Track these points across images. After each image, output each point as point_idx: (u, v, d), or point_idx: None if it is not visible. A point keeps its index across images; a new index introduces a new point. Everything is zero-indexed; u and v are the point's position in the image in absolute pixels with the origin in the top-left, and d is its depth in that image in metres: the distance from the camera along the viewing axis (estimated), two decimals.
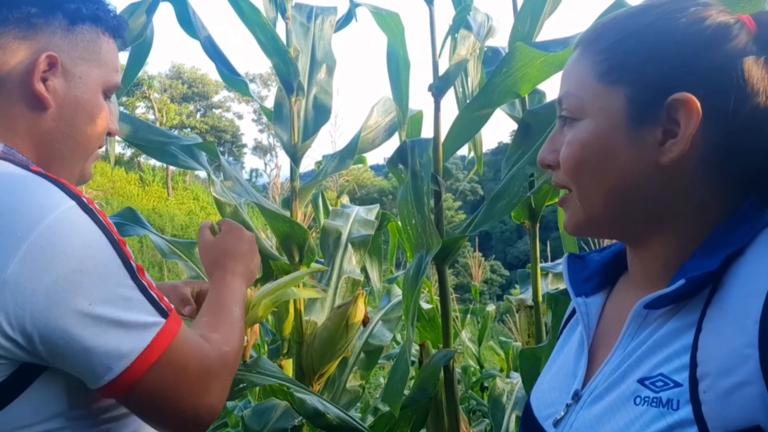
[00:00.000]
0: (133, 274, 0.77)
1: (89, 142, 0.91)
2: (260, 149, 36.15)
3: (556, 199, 1.50)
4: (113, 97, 1.01)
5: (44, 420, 0.75)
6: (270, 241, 2.44)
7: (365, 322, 1.74)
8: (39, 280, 0.69)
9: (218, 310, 0.96)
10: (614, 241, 0.79)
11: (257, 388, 2.95)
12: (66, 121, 0.86)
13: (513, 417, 1.99)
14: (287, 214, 1.72)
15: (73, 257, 0.71)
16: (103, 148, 1.00)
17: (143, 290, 0.78)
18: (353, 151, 1.83)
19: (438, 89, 1.54)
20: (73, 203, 0.74)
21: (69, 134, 0.87)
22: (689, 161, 0.62)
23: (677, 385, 0.56)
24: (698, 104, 0.60)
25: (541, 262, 1.73)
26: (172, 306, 0.82)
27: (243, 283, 1.04)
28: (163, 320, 0.78)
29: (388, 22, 1.57)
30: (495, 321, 5.33)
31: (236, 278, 1.03)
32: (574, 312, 0.82)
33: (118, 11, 0.99)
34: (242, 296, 1.02)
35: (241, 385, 1.16)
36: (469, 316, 4.79)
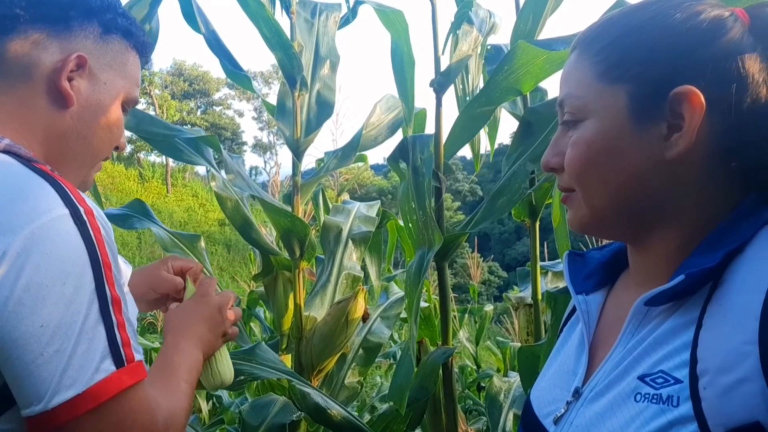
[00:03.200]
0: (105, 306, 0.72)
1: (101, 148, 0.91)
2: (260, 147, 36.12)
3: (556, 198, 1.51)
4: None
5: None
6: (270, 237, 2.45)
7: (365, 318, 1.74)
8: (4, 286, 0.67)
9: (172, 378, 0.89)
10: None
11: (254, 384, 2.96)
12: (84, 122, 0.87)
13: (510, 415, 1.99)
14: (288, 209, 1.73)
15: (44, 271, 0.68)
16: (108, 161, 1.00)
17: (108, 327, 0.72)
18: (355, 148, 1.84)
19: (440, 85, 1.54)
20: (65, 212, 0.71)
21: (85, 135, 0.88)
22: (694, 155, 0.62)
23: (677, 381, 0.56)
24: (701, 96, 0.61)
25: (540, 261, 1.74)
26: (138, 356, 0.75)
27: (201, 355, 0.98)
28: (113, 369, 0.71)
29: (392, 19, 1.57)
30: (492, 322, 5.34)
31: (199, 347, 0.98)
32: (574, 310, 0.83)
33: (124, 2, 1.00)
34: (195, 369, 0.95)
35: (241, 378, 1.16)
36: (467, 315, 4.79)
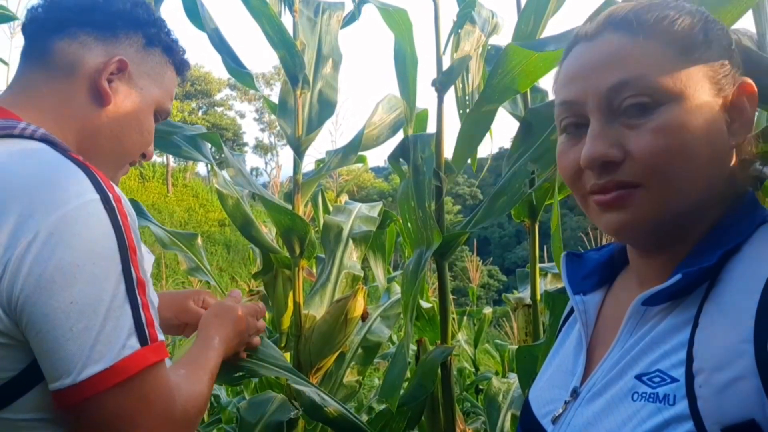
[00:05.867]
0: (131, 287, 0.75)
1: (131, 149, 0.97)
2: (261, 148, 36.18)
3: (561, 197, 1.50)
4: None
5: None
6: (270, 235, 2.45)
7: (364, 317, 1.74)
8: (37, 263, 0.70)
9: (197, 368, 0.94)
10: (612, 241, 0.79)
11: (253, 383, 2.96)
12: (118, 122, 0.93)
13: (509, 416, 1.99)
14: (289, 207, 1.73)
15: (76, 251, 0.71)
16: (134, 166, 1.05)
17: (134, 307, 0.75)
18: (356, 147, 1.84)
19: (442, 84, 1.55)
20: (96, 197, 0.75)
21: (116, 134, 0.93)
22: (731, 149, 0.63)
23: (674, 380, 0.56)
24: (756, 89, 0.62)
25: (539, 263, 1.74)
26: (161, 336, 0.79)
27: (224, 354, 1.04)
28: (138, 346, 0.74)
29: (396, 18, 1.58)
30: (491, 326, 5.33)
31: (223, 346, 1.03)
32: (572, 310, 0.82)
33: None
34: (218, 365, 1.00)
35: (239, 374, 1.16)
36: (465, 318, 4.78)
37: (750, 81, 0.63)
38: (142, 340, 0.75)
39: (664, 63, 0.61)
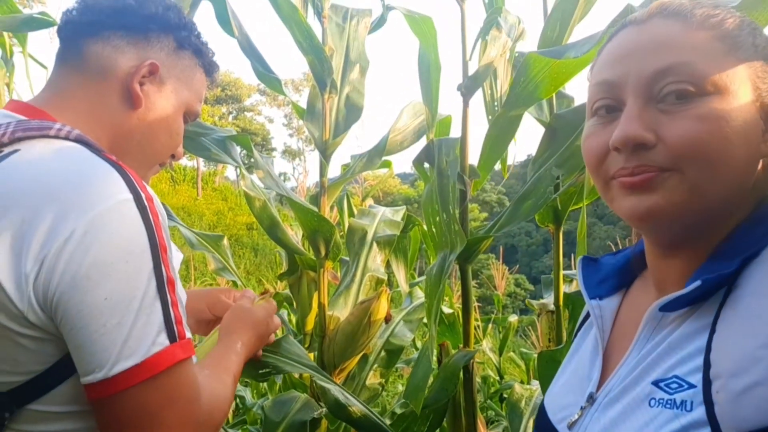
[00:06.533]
0: (161, 285, 0.77)
1: (161, 151, 0.99)
2: (289, 153, 36.48)
3: (582, 204, 1.50)
4: None
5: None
6: (296, 237, 2.48)
7: (387, 319, 1.75)
8: (73, 261, 0.72)
9: (221, 370, 0.95)
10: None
11: (277, 385, 2.99)
12: (148, 124, 0.95)
13: (530, 423, 1.98)
14: (315, 209, 1.75)
15: (110, 250, 0.73)
16: (163, 167, 1.07)
17: (164, 305, 0.77)
18: (381, 152, 1.86)
19: (467, 89, 1.56)
20: (129, 196, 0.76)
21: (147, 136, 0.96)
22: (763, 156, 0.63)
23: (691, 386, 0.56)
24: None
25: (564, 269, 1.73)
26: (188, 334, 0.80)
27: (245, 358, 1.05)
28: (167, 343, 0.76)
29: (421, 25, 1.60)
30: (517, 335, 5.28)
31: (246, 350, 1.05)
32: (588, 314, 0.82)
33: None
34: (240, 369, 1.02)
35: (265, 370, 1.18)
36: (490, 326, 4.75)
37: None
38: (171, 336, 0.77)
39: (713, 55, 0.61)
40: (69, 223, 0.72)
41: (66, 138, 0.83)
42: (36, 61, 2.63)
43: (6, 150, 0.80)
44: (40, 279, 0.72)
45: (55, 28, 1.01)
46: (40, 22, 1.89)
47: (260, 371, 1.19)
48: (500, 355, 4.20)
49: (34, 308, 0.73)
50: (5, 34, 2.49)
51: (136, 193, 0.77)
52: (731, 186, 0.61)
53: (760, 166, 0.63)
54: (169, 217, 1.98)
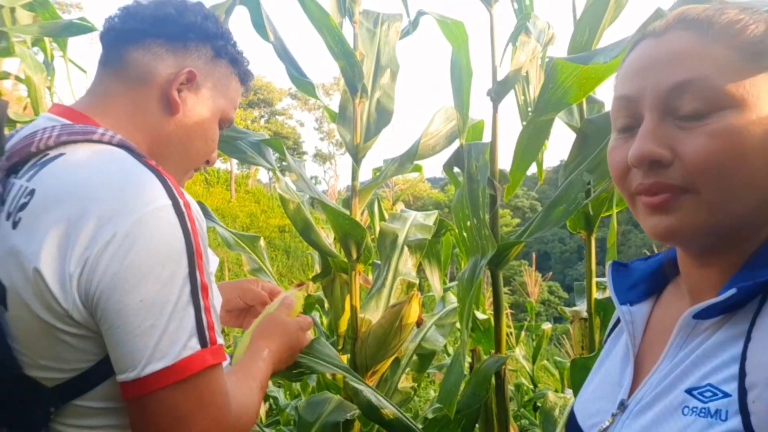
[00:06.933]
0: (195, 290, 0.78)
1: (196, 157, 1.02)
2: (320, 157, 36.74)
3: (612, 211, 1.49)
4: None
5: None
6: (329, 240, 2.50)
7: (419, 323, 1.76)
8: (113, 262, 0.75)
9: (248, 377, 0.96)
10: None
11: (310, 387, 3.01)
12: (185, 130, 0.98)
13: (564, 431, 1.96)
14: (347, 212, 1.77)
15: (147, 253, 0.75)
16: (198, 172, 1.10)
17: (196, 310, 0.78)
18: (413, 156, 1.87)
19: (497, 94, 1.56)
20: (168, 202, 0.79)
21: (183, 141, 0.98)
22: None
23: (726, 395, 0.55)
24: None
25: (597, 276, 1.71)
26: (220, 340, 0.82)
27: (274, 366, 1.06)
28: (198, 347, 0.77)
29: (453, 30, 1.60)
30: (551, 343, 5.19)
31: (273, 358, 1.05)
32: (619, 320, 0.81)
33: None
34: (268, 377, 1.02)
35: (300, 370, 1.20)
36: (524, 333, 4.69)
37: None
38: (203, 342, 0.78)
39: (729, 67, 0.59)
40: (111, 226, 0.75)
41: (109, 143, 0.86)
42: (75, 65, 2.72)
43: (52, 153, 0.84)
44: (83, 279, 0.75)
45: (94, 33, 1.04)
46: (79, 28, 1.95)
47: (294, 371, 1.21)
48: (533, 363, 4.14)
49: (78, 307, 0.76)
50: (46, 39, 2.58)
51: (174, 200, 0.79)
52: (754, 201, 0.60)
53: None
54: (207, 216, 2.02)
